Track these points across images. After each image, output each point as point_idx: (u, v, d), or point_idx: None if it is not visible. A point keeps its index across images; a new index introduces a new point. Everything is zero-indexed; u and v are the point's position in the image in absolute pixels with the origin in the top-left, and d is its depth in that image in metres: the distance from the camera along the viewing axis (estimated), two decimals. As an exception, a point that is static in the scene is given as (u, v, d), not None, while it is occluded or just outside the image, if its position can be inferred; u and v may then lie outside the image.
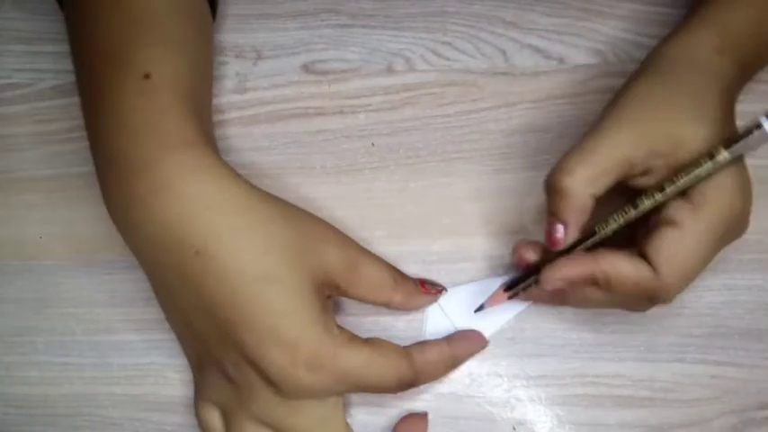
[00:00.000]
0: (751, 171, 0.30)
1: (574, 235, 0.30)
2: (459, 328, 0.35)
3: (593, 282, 0.29)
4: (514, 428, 0.34)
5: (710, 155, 0.28)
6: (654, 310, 0.31)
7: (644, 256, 0.29)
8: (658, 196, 0.29)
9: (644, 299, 0.29)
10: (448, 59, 0.38)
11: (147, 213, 0.28)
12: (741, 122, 0.31)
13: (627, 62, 0.38)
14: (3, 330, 0.36)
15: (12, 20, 0.40)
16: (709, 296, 0.35)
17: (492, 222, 0.36)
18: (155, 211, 0.28)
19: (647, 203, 0.29)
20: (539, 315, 0.35)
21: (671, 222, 0.29)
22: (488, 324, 0.35)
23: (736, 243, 0.31)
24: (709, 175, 0.28)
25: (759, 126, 0.28)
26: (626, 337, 0.35)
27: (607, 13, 0.39)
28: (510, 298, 0.33)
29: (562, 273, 0.29)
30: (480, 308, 0.34)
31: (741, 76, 0.32)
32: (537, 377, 0.35)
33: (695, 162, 0.28)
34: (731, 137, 0.28)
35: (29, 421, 0.35)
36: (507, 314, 0.35)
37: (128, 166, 0.29)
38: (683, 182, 0.29)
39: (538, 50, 0.38)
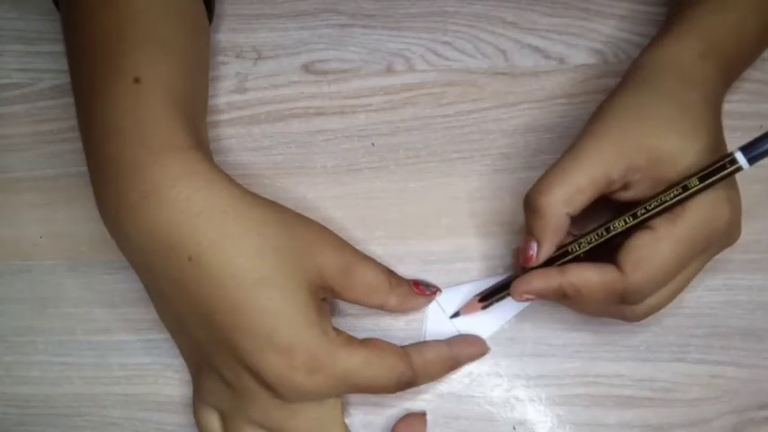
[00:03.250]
0: (750, 171, 0.29)
1: (548, 252, 0.30)
2: (460, 328, 0.35)
3: (563, 294, 0.29)
4: (514, 428, 0.34)
5: (684, 186, 0.28)
6: (654, 310, 0.31)
7: (616, 262, 0.29)
8: (630, 221, 0.29)
9: (616, 302, 0.29)
10: (448, 59, 0.38)
11: (138, 220, 0.28)
12: (732, 122, 0.31)
13: (627, 62, 0.38)
14: (3, 330, 0.36)
15: (12, 20, 0.40)
16: (709, 296, 0.35)
17: (491, 223, 0.36)
18: (146, 217, 0.28)
19: (618, 227, 0.30)
20: (539, 315, 0.35)
21: (646, 227, 0.29)
22: (489, 323, 0.35)
23: (736, 243, 0.31)
24: (680, 203, 0.28)
25: (733, 161, 0.28)
26: (626, 337, 0.35)
27: (607, 13, 0.39)
28: (484, 308, 0.33)
29: (530, 285, 0.30)
30: (456, 314, 0.34)
31: (724, 81, 0.32)
32: (537, 377, 0.35)
33: (667, 190, 0.29)
34: (705, 169, 0.28)
35: (29, 421, 0.35)
36: (508, 313, 0.35)
37: (118, 172, 0.28)
38: (654, 211, 0.29)
39: (538, 50, 0.38)
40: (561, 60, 0.38)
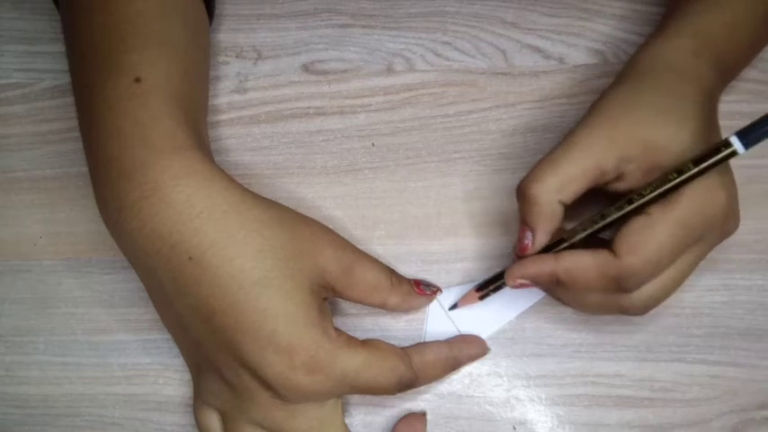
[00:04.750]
0: (750, 171, 0.30)
1: (542, 241, 0.30)
2: (460, 328, 0.35)
3: (557, 279, 0.29)
4: (514, 428, 0.34)
5: (679, 171, 0.28)
6: (654, 310, 0.31)
7: (611, 247, 0.29)
8: (626, 206, 0.29)
9: (612, 290, 0.29)
10: (448, 59, 0.38)
11: (138, 220, 0.28)
12: (731, 122, 0.31)
13: (627, 62, 0.38)
14: (3, 330, 0.36)
15: (12, 20, 0.40)
16: (710, 296, 0.35)
17: (491, 223, 0.36)
18: (146, 217, 0.28)
19: (614, 214, 0.30)
20: (539, 315, 0.35)
21: (641, 213, 0.29)
22: (489, 323, 0.35)
23: (736, 243, 0.31)
24: (676, 188, 0.28)
25: (728, 145, 0.28)
26: (626, 337, 0.35)
27: (607, 13, 0.39)
28: (481, 298, 0.34)
29: (524, 270, 0.30)
30: (454, 307, 0.35)
31: (719, 79, 0.32)
32: (537, 377, 0.35)
33: (663, 177, 0.29)
34: (701, 154, 0.28)
35: (29, 421, 0.35)
36: (508, 314, 0.35)
37: (119, 172, 0.28)
38: (649, 196, 0.29)
39: (538, 50, 0.38)
40: (561, 60, 0.38)
